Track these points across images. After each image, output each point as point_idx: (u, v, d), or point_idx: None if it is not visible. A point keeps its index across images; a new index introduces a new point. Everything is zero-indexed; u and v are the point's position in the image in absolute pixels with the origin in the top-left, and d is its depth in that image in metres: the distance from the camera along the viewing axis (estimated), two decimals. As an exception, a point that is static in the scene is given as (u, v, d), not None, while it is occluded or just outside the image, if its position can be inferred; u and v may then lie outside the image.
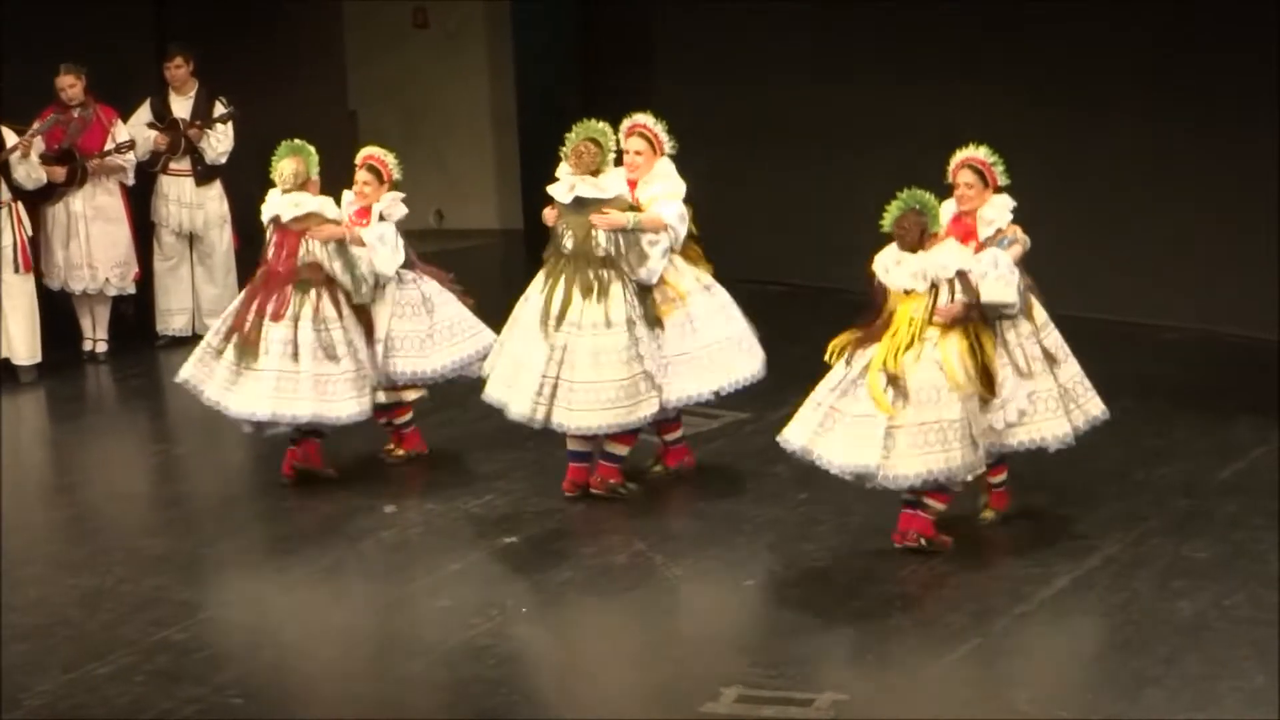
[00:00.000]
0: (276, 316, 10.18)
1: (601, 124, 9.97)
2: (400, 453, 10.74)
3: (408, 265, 10.46)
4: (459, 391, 10.66)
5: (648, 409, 9.92)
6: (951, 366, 9.00)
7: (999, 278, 9.09)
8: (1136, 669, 7.98)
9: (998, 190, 9.37)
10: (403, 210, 10.49)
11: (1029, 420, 9.29)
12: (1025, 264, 9.33)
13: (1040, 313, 9.43)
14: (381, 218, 10.36)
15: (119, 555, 9.63)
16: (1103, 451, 10.10)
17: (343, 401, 10.22)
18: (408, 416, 10.69)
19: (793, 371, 11.33)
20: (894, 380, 8.98)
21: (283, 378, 10.15)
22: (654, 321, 9.95)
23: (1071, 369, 9.45)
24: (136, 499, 10.91)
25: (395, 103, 16.35)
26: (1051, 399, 9.34)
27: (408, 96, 16.46)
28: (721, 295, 10.20)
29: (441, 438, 10.92)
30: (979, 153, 9.37)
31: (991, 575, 9.05)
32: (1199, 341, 12.75)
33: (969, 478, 9.17)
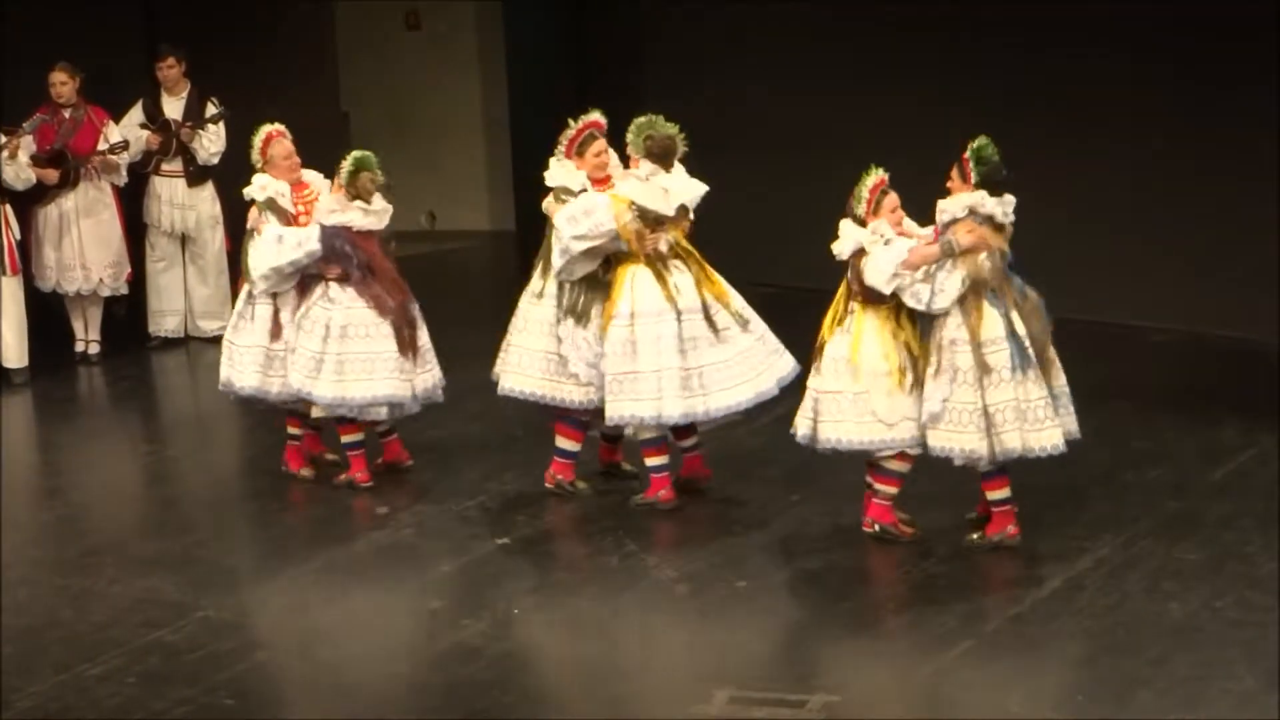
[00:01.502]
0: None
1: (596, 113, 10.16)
2: (377, 462, 10.52)
3: (343, 280, 10.03)
4: (450, 394, 10.64)
5: (569, 395, 9.99)
6: (856, 341, 9.19)
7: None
8: (1127, 671, 7.98)
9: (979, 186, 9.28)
10: (337, 217, 10.02)
11: (942, 427, 9.13)
12: (1020, 271, 9.31)
13: (993, 328, 9.07)
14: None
15: (110, 556, 9.63)
16: (1092, 453, 10.10)
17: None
18: (358, 435, 10.39)
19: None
20: (820, 348, 9.31)
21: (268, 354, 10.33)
22: (583, 318, 9.93)
23: (1006, 394, 9.03)
24: (128, 500, 10.90)
25: (387, 104, 16.36)
26: (967, 414, 9.07)
27: (400, 98, 16.47)
28: (739, 300, 10.11)
29: (432, 440, 10.92)
30: (970, 146, 9.30)
31: (982, 577, 9.06)
32: (1188, 343, 12.76)
33: (886, 454, 9.23)
